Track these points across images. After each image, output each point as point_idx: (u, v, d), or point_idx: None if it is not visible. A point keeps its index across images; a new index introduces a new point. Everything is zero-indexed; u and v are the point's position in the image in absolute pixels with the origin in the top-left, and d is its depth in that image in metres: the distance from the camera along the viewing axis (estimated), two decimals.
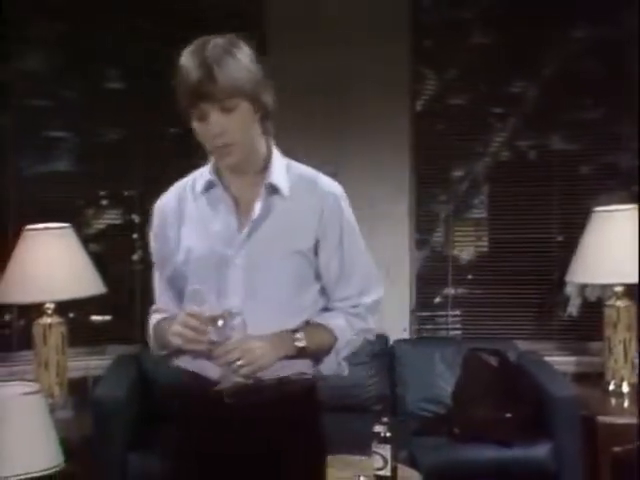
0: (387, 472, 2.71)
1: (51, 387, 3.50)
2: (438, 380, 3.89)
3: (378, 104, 4.10)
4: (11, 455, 2.37)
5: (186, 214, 1.96)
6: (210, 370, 1.87)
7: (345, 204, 1.98)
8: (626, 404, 3.57)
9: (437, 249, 4.34)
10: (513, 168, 4.29)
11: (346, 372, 2.00)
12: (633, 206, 3.61)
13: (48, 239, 3.53)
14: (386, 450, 2.71)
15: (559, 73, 4.15)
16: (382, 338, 4.05)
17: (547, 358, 3.97)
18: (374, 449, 2.72)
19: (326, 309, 1.98)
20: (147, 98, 4.03)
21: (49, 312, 3.55)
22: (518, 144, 4.28)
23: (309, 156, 4.17)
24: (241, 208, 1.92)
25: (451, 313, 4.31)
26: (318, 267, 1.94)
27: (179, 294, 1.98)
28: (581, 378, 3.96)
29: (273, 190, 1.91)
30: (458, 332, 4.33)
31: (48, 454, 2.42)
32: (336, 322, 1.94)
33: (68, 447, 2.55)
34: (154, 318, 2.04)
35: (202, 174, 1.97)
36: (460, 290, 4.32)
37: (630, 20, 3.94)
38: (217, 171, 1.94)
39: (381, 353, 4.00)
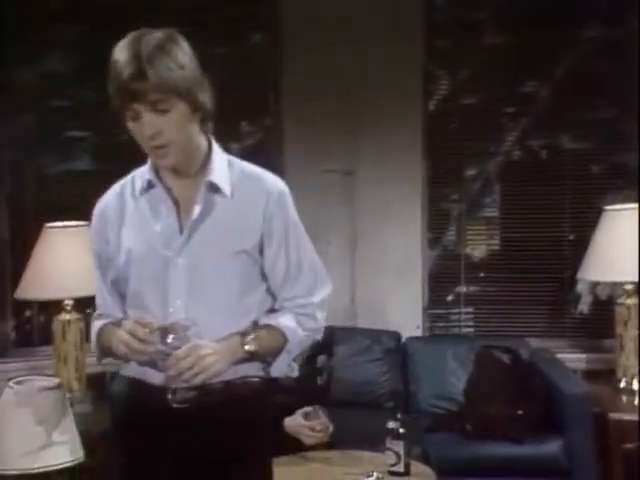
0: (400, 468, 2.74)
1: (70, 382, 3.56)
2: (450, 377, 3.91)
3: (391, 104, 4.14)
4: (32, 448, 2.42)
5: (126, 215, 1.90)
6: (153, 376, 1.83)
7: (290, 201, 1.91)
8: (637, 401, 3.58)
9: (449, 247, 4.37)
10: (525, 167, 4.31)
11: (296, 373, 1.95)
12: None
13: (67, 237, 3.58)
14: (399, 446, 2.73)
15: (571, 73, 4.16)
16: (395, 335, 4.09)
17: (559, 355, 4.00)
18: (387, 445, 2.75)
19: (273, 309, 1.92)
20: None
21: (68, 309, 3.61)
22: (530, 143, 4.29)
23: (323, 156, 4.28)
24: (181, 208, 1.86)
25: (464, 311, 4.34)
26: (263, 266, 1.87)
27: (122, 298, 1.94)
28: (592, 375, 3.98)
29: (213, 189, 1.84)
30: (470, 330, 4.36)
31: (69, 448, 2.47)
32: (286, 323, 1.88)
33: (87, 441, 2.59)
34: (97, 324, 1.99)
35: (142, 174, 1.91)
36: (472, 288, 4.35)
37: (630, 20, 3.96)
38: (157, 170, 1.88)
39: (394, 350, 4.04)
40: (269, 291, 1.91)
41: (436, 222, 4.33)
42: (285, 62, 4.18)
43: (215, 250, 1.83)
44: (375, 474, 2.67)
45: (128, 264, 1.88)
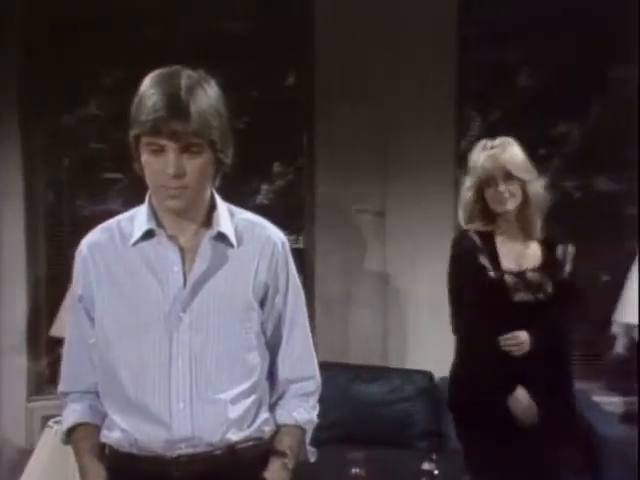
0: None
1: None
2: None
3: (424, 145, 4.15)
4: None
5: (116, 264, 1.75)
6: (151, 443, 1.71)
7: (289, 252, 1.85)
8: None
9: None
10: (558, 208, 4.27)
11: (314, 458, 1.89)
12: None
13: None
14: None
15: (604, 113, 4.17)
16: (427, 375, 4.06)
17: (595, 398, 3.94)
18: None
19: (281, 395, 1.86)
20: None
21: None
22: (563, 184, 4.28)
23: (355, 196, 4.30)
24: (186, 260, 1.74)
25: None
26: (263, 320, 1.80)
27: (94, 367, 1.80)
28: (629, 419, 3.91)
29: (220, 239, 1.76)
30: None
31: None
32: (303, 417, 1.85)
33: None
34: (71, 417, 1.83)
35: (133, 221, 1.78)
36: None
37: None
38: (156, 218, 1.75)
39: (426, 390, 4.01)
40: (267, 346, 1.83)
41: None
42: (319, 104, 4.23)
43: (221, 304, 1.74)
44: None
45: (114, 322, 1.73)
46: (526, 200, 2.82)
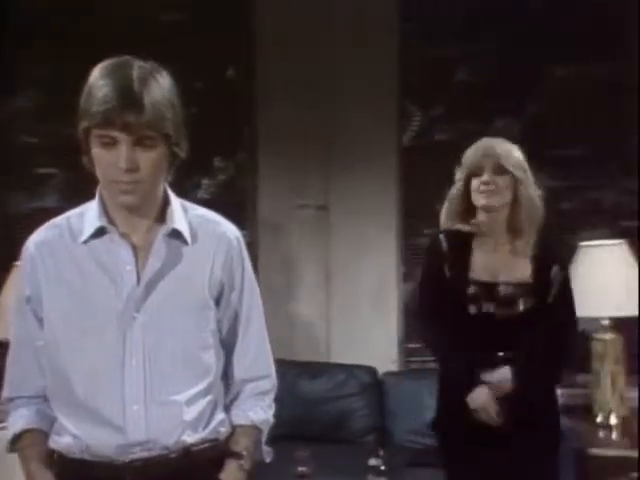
0: None
1: None
2: (427, 412, 3.87)
3: (366, 139, 4.15)
4: None
5: (67, 262, 1.69)
6: (104, 448, 1.66)
7: (244, 247, 1.82)
8: (614, 436, 3.58)
9: None
10: None
11: (269, 459, 1.86)
12: (619, 241, 3.66)
13: None
14: None
15: (544, 110, 4.22)
16: (370, 370, 4.06)
17: None
18: None
19: (237, 395, 1.81)
20: None
21: None
22: None
23: (297, 191, 4.27)
24: (139, 258, 1.69)
25: None
26: (218, 318, 1.76)
27: (42, 370, 1.74)
28: (568, 410, 3.96)
29: (175, 236, 1.72)
30: None
31: None
32: (259, 417, 1.81)
33: None
34: (19, 423, 1.76)
35: (84, 217, 1.72)
36: None
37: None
38: (108, 215, 1.70)
39: (370, 385, 4.01)
40: (222, 344, 1.79)
41: (411, 255, 4.32)
42: (259, 97, 4.19)
43: (176, 302, 1.69)
44: None
45: (64, 322, 1.67)
46: (516, 200, 2.51)
